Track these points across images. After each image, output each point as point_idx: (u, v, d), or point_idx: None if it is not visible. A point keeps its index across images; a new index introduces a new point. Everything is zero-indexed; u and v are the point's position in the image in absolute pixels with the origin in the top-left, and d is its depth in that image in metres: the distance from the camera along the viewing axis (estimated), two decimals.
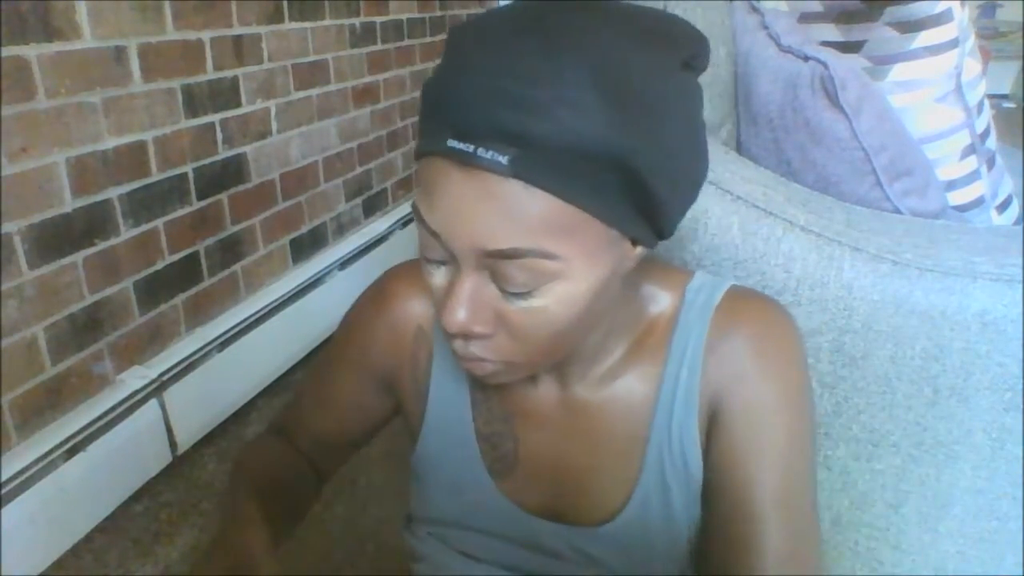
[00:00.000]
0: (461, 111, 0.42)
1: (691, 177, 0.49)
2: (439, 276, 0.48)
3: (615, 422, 0.57)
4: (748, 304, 0.57)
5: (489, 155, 0.41)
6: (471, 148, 0.41)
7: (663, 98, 0.44)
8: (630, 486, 0.57)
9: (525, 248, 0.43)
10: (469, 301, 0.46)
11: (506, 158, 0.41)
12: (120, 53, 1.36)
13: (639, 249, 0.49)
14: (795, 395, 0.55)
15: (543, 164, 0.41)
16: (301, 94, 1.92)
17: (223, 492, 0.73)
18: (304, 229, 2.02)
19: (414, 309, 0.63)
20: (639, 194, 0.44)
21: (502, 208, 0.42)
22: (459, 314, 0.46)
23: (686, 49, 0.46)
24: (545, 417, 0.59)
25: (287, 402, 0.75)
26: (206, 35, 1.57)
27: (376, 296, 0.65)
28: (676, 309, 0.57)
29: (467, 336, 0.47)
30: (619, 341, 0.57)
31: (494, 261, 0.44)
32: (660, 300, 0.58)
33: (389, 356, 0.63)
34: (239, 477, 0.64)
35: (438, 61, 0.47)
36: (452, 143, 0.42)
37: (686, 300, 0.57)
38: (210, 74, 1.59)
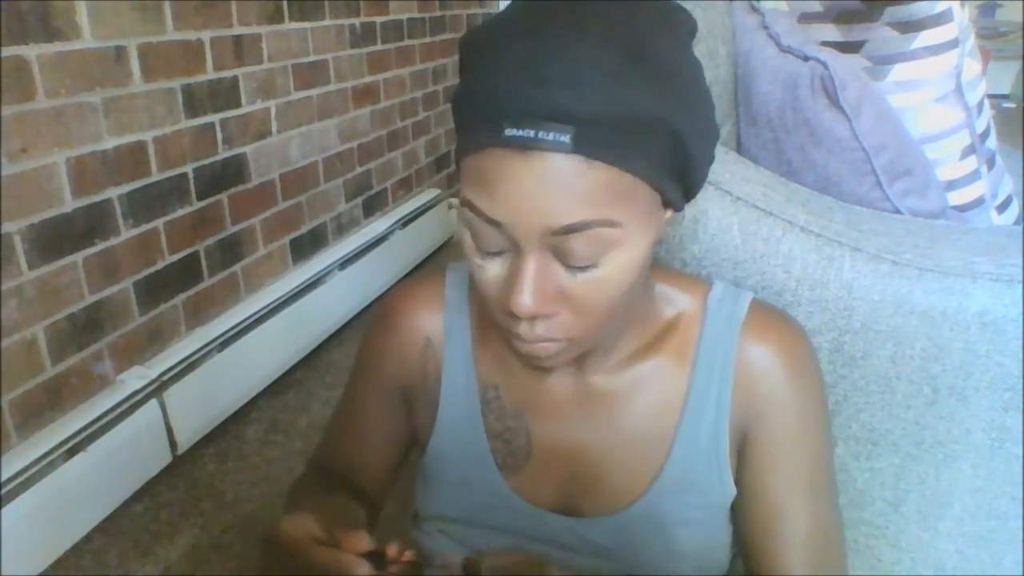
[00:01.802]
0: (513, 100, 0.43)
1: (713, 135, 0.52)
2: (494, 267, 0.49)
3: (636, 414, 0.59)
4: (774, 323, 0.59)
5: (551, 136, 0.42)
6: (532, 133, 0.43)
7: (684, 66, 0.48)
8: (647, 479, 0.58)
9: (590, 219, 0.44)
10: (536, 283, 0.47)
11: (568, 136, 0.42)
12: (120, 53, 1.36)
13: (669, 214, 0.51)
14: (820, 409, 0.60)
15: (600, 138, 0.43)
16: (301, 94, 1.92)
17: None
18: (304, 229, 2.02)
19: (419, 323, 0.64)
20: (679, 156, 0.47)
21: (566, 185, 0.43)
22: (528, 298, 0.47)
23: (686, 23, 0.50)
24: (560, 407, 0.60)
25: (321, 439, 0.74)
26: (206, 35, 1.57)
27: (382, 319, 0.67)
28: (699, 317, 0.59)
29: (535, 317, 0.48)
30: (634, 333, 0.59)
31: (559, 239, 0.45)
32: (677, 302, 0.60)
33: (402, 372, 0.65)
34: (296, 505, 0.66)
35: (458, 74, 0.48)
36: (511, 131, 0.43)
37: (709, 309, 0.59)
38: (210, 74, 1.59)
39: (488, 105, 0.45)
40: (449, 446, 0.63)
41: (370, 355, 0.68)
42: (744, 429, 0.58)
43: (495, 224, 0.46)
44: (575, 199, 0.44)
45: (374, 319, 0.68)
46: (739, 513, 0.60)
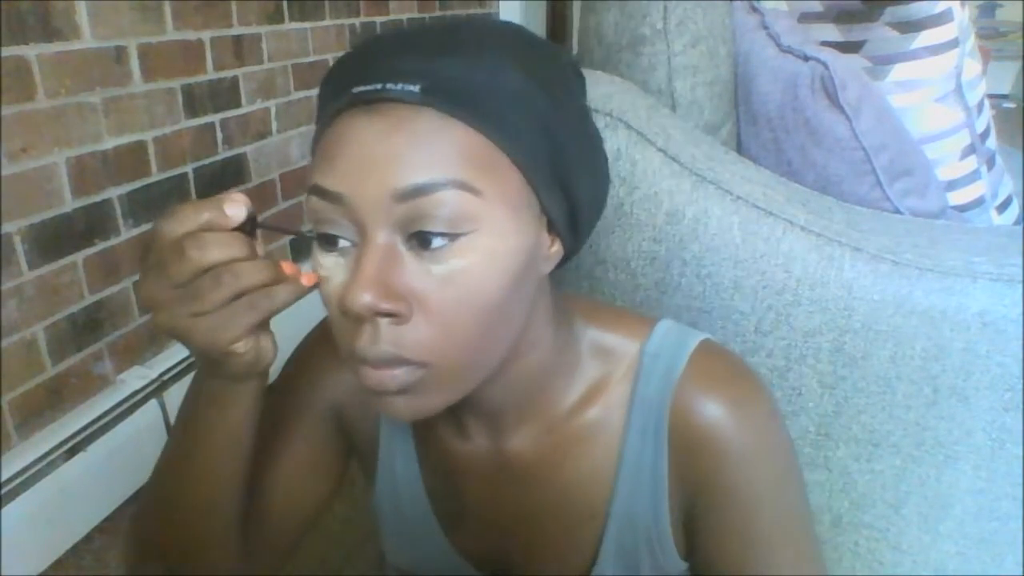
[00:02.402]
0: (364, 64, 0.41)
1: (602, 186, 0.49)
2: (338, 274, 0.42)
3: (564, 486, 0.53)
4: (718, 375, 0.51)
5: (399, 87, 0.39)
6: (378, 85, 0.39)
7: (579, 103, 0.46)
8: (588, 555, 0.53)
9: (442, 180, 0.39)
10: (378, 270, 0.39)
11: (417, 87, 0.39)
12: (120, 53, 1.36)
13: (556, 248, 0.46)
14: (784, 472, 0.52)
15: (455, 95, 0.39)
16: (301, 94, 1.92)
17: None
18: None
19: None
20: (553, 149, 0.43)
21: (414, 139, 0.39)
22: (364, 287, 0.38)
23: (577, 72, 0.48)
24: (483, 473, 0.55)
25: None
26: (206, 35, 1.57)
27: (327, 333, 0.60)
28: (632, 370, 0.52)
29: (377, 314, 0.39)
30: (556, 392, 0.52)
31: (408, 207, 0.39)
32: (611, 354, 0.52)
33: (339, 391, 0.58)
34: None
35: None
36: (357, 88, 0.40)
37: (644, 365, 0.51)
38: (210, 74, 1.59)
39: (337, 79, 0.42)
40: (392, 495, 0.59)
41: (307, 369, 0.59)
42: (690, 501, 0.51)
43: (337, 200, 0.40)
44: (425, 156, 0.39)
45: (316, 336, 0.60)
46: (699, 568, 0.54)
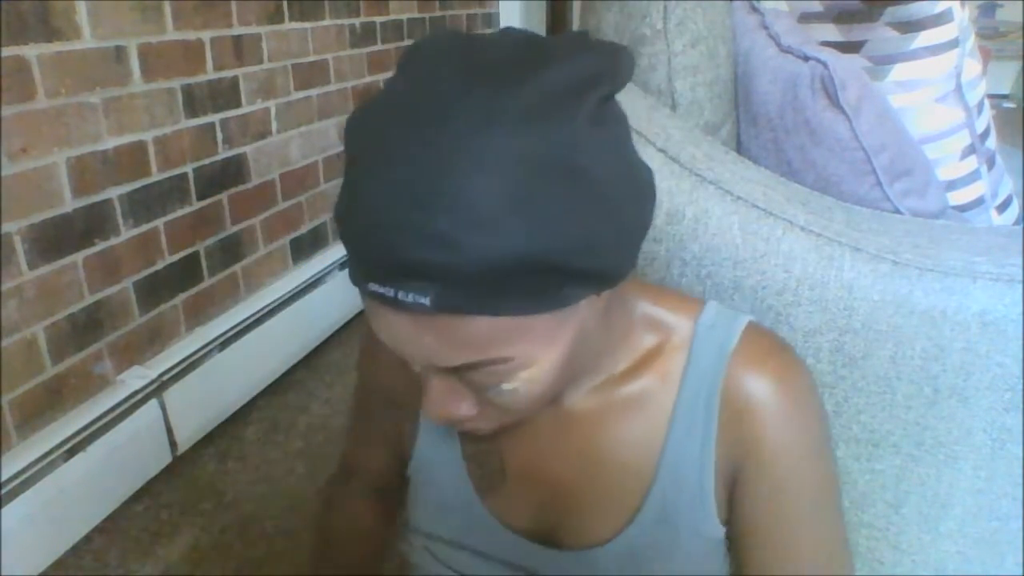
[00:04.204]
0: (372, 252, 0.40)
1: (633, 214, 0.46)
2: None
3: (614, 442, 0.56)
4: (768, 352, 0.55)
5: (410, 298, 0.39)
6: (392, 292, 0.40)
7: (582, 167, 0.40)
8: (626, 517, 0.56)
9: (475, 361, 0.43)
10: (443, 398, 0.47)
11: (427, 298, 0.39)
12: (120, 53, 1.36)
13: (605, 291, 0.46)
14: (821, 443, 0.56)
15: (467, 293, 0.39)
16: (301, 94, 1.92)
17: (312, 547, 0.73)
18: (304, 229, 2.02)
19: None
20: (579, 275, 0.42)
21: (439, 337, 0.42)
22: (437, 411, 0.48)
23: (602, 83, 0.42)
24: (534, 430, 0.58)
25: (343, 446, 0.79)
26: (206, 35, 1.57)
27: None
28: (687, 343, 0.56)
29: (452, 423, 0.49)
30: (612, 357, 0.56)
31: (454, 370, 0.45)
32: (664, 326, 0.56)
33: (392, 377, 0.63)
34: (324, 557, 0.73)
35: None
36: (373, 287, 0.41)
37: (698, 335, 0.56)
38: (210, 74, 1.59)
39: (350, 244, 0.42)
40: (428, 463, 0.62)
41: (367, 360, 0.69)
42: (735, 465, 0.54)
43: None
44: (453, 347, 0.42)
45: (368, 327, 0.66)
46: (738, 547, 0.57)
